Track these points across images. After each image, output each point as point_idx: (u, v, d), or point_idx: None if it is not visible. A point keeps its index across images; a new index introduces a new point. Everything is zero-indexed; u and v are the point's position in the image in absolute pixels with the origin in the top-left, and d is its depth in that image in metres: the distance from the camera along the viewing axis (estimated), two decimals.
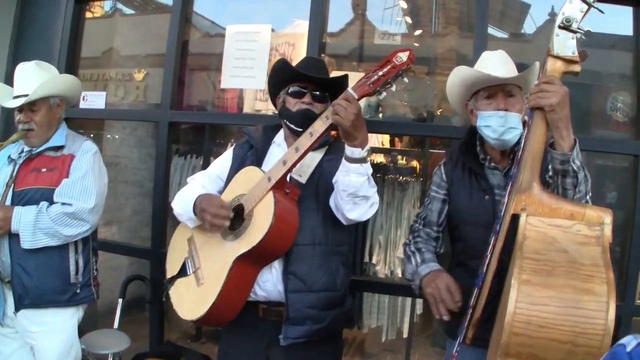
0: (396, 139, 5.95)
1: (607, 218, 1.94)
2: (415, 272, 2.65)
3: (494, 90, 2.55)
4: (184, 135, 6.23)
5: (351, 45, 5.37)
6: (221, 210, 2.58)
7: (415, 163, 5.63)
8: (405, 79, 2.46)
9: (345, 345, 5.61)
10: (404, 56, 2.40)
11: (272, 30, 4.47)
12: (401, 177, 5.07)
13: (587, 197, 2.27)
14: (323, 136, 2.53)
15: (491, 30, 4.95)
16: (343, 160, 2.50)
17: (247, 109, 4.80)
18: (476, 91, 2.64)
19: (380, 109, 4.55)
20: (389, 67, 2.41)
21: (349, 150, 2.46)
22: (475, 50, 3.50)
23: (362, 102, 3.77)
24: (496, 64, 2.63)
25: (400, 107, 4.89)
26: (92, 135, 5.88)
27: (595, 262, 1.85)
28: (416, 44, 5.53)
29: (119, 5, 5.90)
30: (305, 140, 2.55)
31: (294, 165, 2.61)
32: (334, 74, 3.69)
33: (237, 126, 5.00)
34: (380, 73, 2.42)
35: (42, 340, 3.24)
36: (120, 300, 4.24)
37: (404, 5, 5.25)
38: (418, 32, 5.55)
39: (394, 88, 2.47)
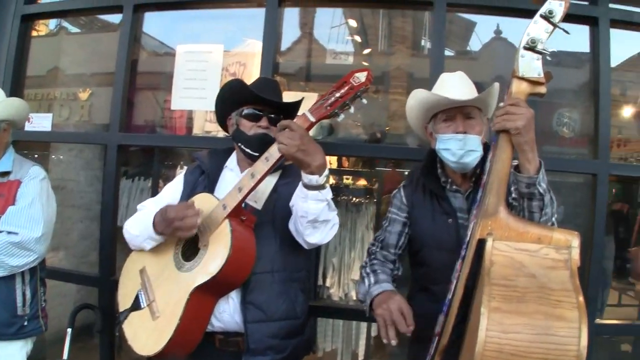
0: (344, 159, 5.91)
1: (575, 241, 1.93)
2: (367, 292, 2.59)
3: (453, 113, 2.52)
4: (132, 157, 6.09)
5: (301, 64, 5.32)
6: (188, 210, 2.47)
7: (368, 183, 5.60)
8: (364, 100, 2.40)
9: None
10: (361, 77, 2.35)
11: (226, 50, 4.41)
12: (354, 198, 5.03)
13: (554, 219, 2.25)
14: (279, 161, 2.44)
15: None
16: (300, 186, 2.43)
17: (196, 130, 4.70)
18: (435, 114, 2.61)
19: (332, 131, 4.50)
20: (346, 88, 2.35)
21: (306, 178, 2.38)
22: (431, 69, 3.52)
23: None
24: (455, 85, 2.60)
25: (353, 128, 4.85)
26: (37, 156, 5.79)
27: (565, 287, 1.82)
28: (365, 63, 5.51)
29: (65, 24, 5.74)
30: (262, 165, 2.46)
31: (250, 191, 2.52)
32: (285, 94, 3.64)
33: (187, 148, 4.89)
34: (338, 94, 2.36)
35: None
36: (69, 330, 4.01)
37: (353, 24, 5.23)
38: (367, 50, 5.53)
39: (352, 110, 2.40)
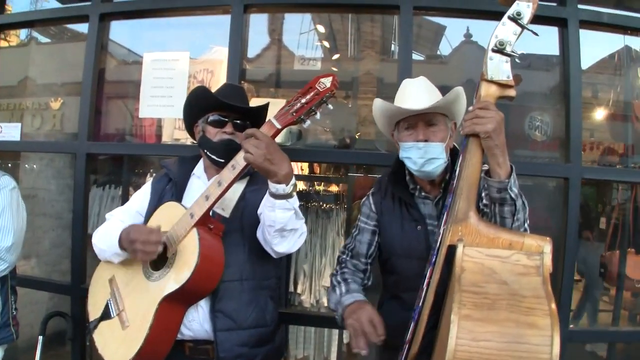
0: (315, 165, 5.83)
1: (547, 247, 1.87)
2: (339, 301, 2.52)
3: (414, 121, 2.44)
4: (102, 165, 6.02)
5: (269, 71, 5.25)
6: (151, 236, 2.39)
7: (338, 189, 5.52)
8: (330, 106, 2.33)
9: None
10: (327, 82, 2.28)
11: (192, 57, 4.33)
12: (324, 205, 4.96)
13: (526, 224, 2.18)
14: (246, 169, 2.36)
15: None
16: (267, 195, 2.36)
17: (165, 138, 4.61)
18: (398, 121, 2.54)
19: (301, 136, 4.43)
20: (312, 94, 2.28)
21: (273, 187, 2.31)
22: (399, 74, 3.45)
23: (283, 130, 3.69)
24: (415, 92, 2.52)
25: (322, 133, 4.79)
26: (10, 165, 5.68)
27: (537, 294, 1.76)
28: (334, 69, 5.45)
29: (35, 34, 5.69)
30: (228, 173, 2.38)
31: (218, 199, 2.45)
32: (253, 100, 3.55)
33: (157, 156, 4.80)
34: (303, 100, 2.29)
35: None
36: (40, 337, 3.97)
37: (322, 29, 5.17)
38: (336, 56, 5.49)
39: (318, 115, 2.33)
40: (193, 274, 2.34)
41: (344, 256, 2.78)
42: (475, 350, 1.67)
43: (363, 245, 2.71)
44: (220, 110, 2.70)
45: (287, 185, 2.29)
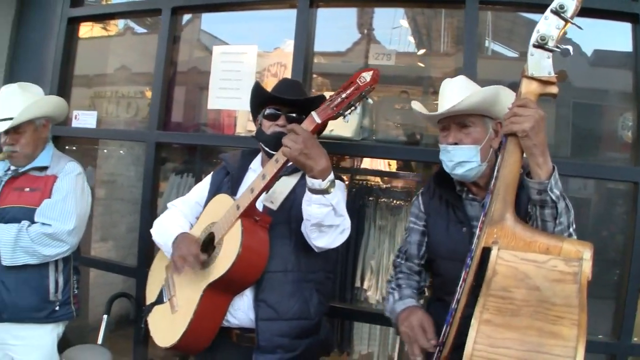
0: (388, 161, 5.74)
1: (587, 253, 1.75)
2: (392, 309, 2.51)
3: (447, 123, 2.40)
4: (181, 154, 6.13)
5: (343, 65, 5.26)
6: (191, 248, 2.52)
7: (408, 185, 5.43)
8: (370, 100, 2.30)
9: None
10: (367, 76, 2.25)
11: (266, 51, 4.36)
12: (394, 201, 4.87)
13: (571, 229, 2.09)
14: (287, 162, 2.38)
15: (500, 49, 4.82)
16: (306, 189, 2.35)
17: (240, 129, 4.65)
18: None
19: (372, 132, 4.37)
20: (352, 88, 2.27)
21: (309, 182, 2.31)
22: (465, 69, 3.36)
23: (354, 125, 3.64)
24: (449, 93, 2.45)
25: (393, 129, 4.71)
26: (97, 151, 5.88)
27: (569, 302, 1.66)
28: (421, 64, 5.40)
29: (131, 24, 5.87)
30: (271, 167, 2.41)
31: (262, 192, 2.48)
32: (326, 95, 3.54)
33: (229, 147, 4.86)
34: (344, 95, 2.27)
35: (20, 353, 3.24)
36: (105, 316, 4.13)
37: (405, 24, 5.11)
38: (421, 51, 5.41)
39: (358, 110, 2.30)
40: (234, 263, 2.39)
41: (399, 259, 2.75)
42: (492, 357, 1.61)
43: (413, 246, 2.67)
44: (274, 103, 2.73)
45: (323, 180, 2.27)
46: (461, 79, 2.53)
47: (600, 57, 4.11)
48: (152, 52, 4.47)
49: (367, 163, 5.54)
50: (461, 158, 2.32)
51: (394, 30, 5.03)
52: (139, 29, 5.95)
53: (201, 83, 5.06)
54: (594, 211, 4.64)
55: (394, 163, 5.61)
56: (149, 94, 5.50)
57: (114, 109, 5.83)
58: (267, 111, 2.74)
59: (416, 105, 2.52)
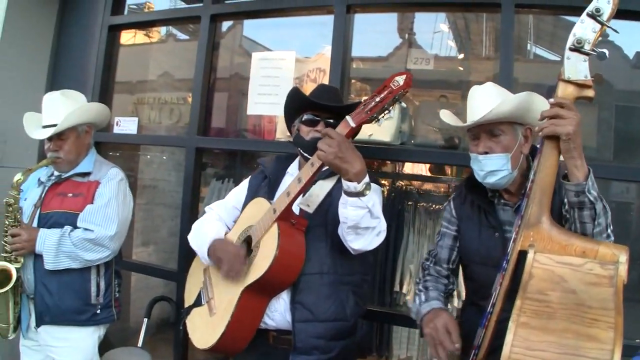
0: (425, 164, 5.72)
1: (623, 256, 1.76)
2: (418, 311, 2.51)
3: (477, 131, 2.38)
4: (222, 159, 6.20)
5: (382, 69, 5.23)
6: (236, 264, 2.57)
7: (447, 190, 5.41)
8: (403, 104, 2.31)
9: None
10: (400, 80, 2.27)
11: (304, 56, 4.39)
12: (434, 205, 4.87)
13: (609, 230, 2.06)
14: (323, 166, 2.41)
15: (543, 52, 4.77)
16: (342, 192, 2.38)
17: (279, 134, 4.71)
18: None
19: (410, 136, 4.37)
20: (385, 92, 2.29)
21: (345, 184, 2.34)
22: (500, 74, 3.35)
23: (392, 129, 3.65)
24: (477, 102, 2.44)
25: (431, 133, 4.70)
26: (138, 156, 5.97)
27: (605, 305, 1.66)
28: (461, 68, 5.37)
29: (174, 31, 5.98)
30: (307, 171, 2.45)
31: (298, 195, 2.53)
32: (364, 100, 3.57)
33: (268, 152, 4.92)
34: (378, 99, 2.29)
35: (62, 355, 3.29)
36: (145, 319, 4.20)
37: (446, 29, 5.08)
38: (460, 55, 5.40)
39: (392, 114, 2.33)
40: (271, 266, 2.43)
41: (428, 262, 2.75)
42: None
43: (444, 250, 2.68)
44: (312, 110, 2.76)
45: (358, 183, 2.29)
46: (489, 86, 2.50)
47: None
48: (194, 59, 4.54)
49: (408, 168, 5.53)
50: (492, 167, 2.31)
51: (435, 34, 5.00)
52: (181, 36, 6.04)
53: (241, 88, 5.14)
54: (637, 215, 4.58)
55: (435, 167, 5.60)
56: (191, 99, 5.62)
57: (156, 115, 5.90)
58: (306, 117, 2.78)
59: (445, 115, 2.52)
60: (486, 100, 2.39)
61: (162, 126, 5.85)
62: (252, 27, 5.15)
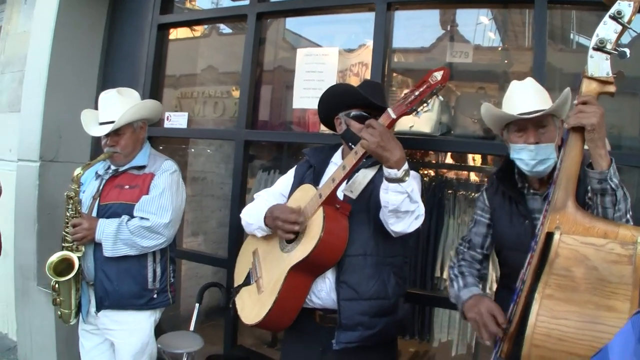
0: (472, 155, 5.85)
1: None
2: (457, 296, 2.67)
3: (524, 124, 2.52)
4: (268, 151, 6.35)
5: (423, 63, 5.37)
6: (291, 216, 2.72)
7: (485, 179, 5.53)
8: (440, 97, 2.49)
9: (415, 359, 5.58)
10: (438, 75, 2.43)
11: (347, 50, 4.55)
12: (472, 194, 5.01)
13: (628, 215, 2.21)
14: (366, 154, 2.57)
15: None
16: (383, 178, 2.54)
17: (323, 127, 4.83)
18: (508, 123, 2.62)
19: (450, 129, 4.51)
20: (424, 87, 2.45)
21: (386, 171, 2.50)
22: (534, 63, 3.46)
23: (432, 121, 3.82)
24: (523, 96, 2.59)
25: (470, 125, 4.83)
26: (187, 149, 6.17)
27: (624, 281, 1.82)
28: (501, 60, 5.48)
29: (217, 25, 6.07)
30: (351, 159, 2.62)
31: (342, 182, 2.69)
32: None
33: (312, 144, 5.09)
34: (417, 93, 2.45)
35: (121, 337, 3.52)
36: (197, 305, 4.38)
37: (486, 21, 5.15)
38: (501, 47, 5.45)
39: (430, 106, 2.50)
40: (317, 246, 2.60)
41: (462, 247, 2.92)
42: (554, 327, 1.79)
43: (478, 237, 2.85)
44: (363, 107, 2.92)
45: (398, 170, 2.46)
46: (530, 82, 2.66)
47: None
48: (237, 52, 4.66)
49: (450, 157, 5.67)
50: (543, 156, 2.46)
51: (477, 26, 5.08)
52: (225, 29, 6.16)
53: (286, 82, 5.30)
54: None
55: (478, 158, 5.72)
56: (235, 93, 5.74)
57: (200, 108, 6.07)
58: (356, 113, 2.93)
59: (490, 109, 2.63)
60: (533, 94, 2.58)
61: (206, 119, 6.02)
62: (295, 22, 5.28)
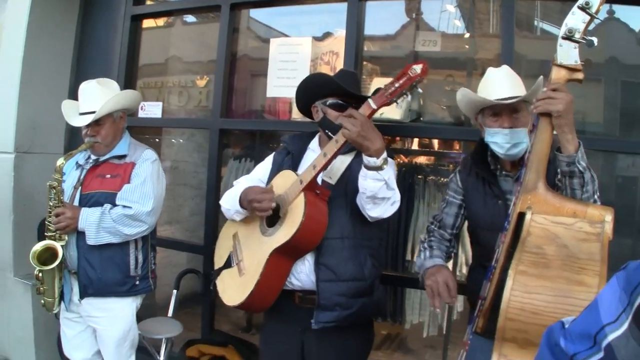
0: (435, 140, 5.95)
1: (608, 216, 2.01)
2: (422, 264, 2.79)
3: (499, 109, 2.62)
4: (240, 139, 6.37)
5: (392, 51, 5.42)
6: (264, 195, 2.81)
7: (454, 164, 5.61)
8: (420, 90, 2.58)
9: (387, 340, 5.70)
10: (417, 68, 2.53)
11: (317, 39, 4.61)
12: (442, 179, 5.11)
13: (595, 196, 2.32)
14: (346, 143, 2.64)
15: (551, 28, 4.82)
16: (362, 166, 2.63)
17: (295, 115, 4.85)
18: (483, 108, 2.71)
19: (419, 115, 4.59)
20: (404, 79, 2.55)
21: (366, 159, 2.59)
22: (502, 50, 3.55)
23: (402, 108, 3.89)
24: (499, 83, 2.69)
25: (439, 111, 4.91)
26: (157, 140, 6.17)
27: (592, 257, 1.91)
28: (467, 47, 5.54)
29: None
30: (332, 146, 2.70)
31: (323, 168, 2.77)
32: (375, 80, 3.78)
33: (286, 132, 5.12)
34: (397, 85, 2.55)
35: (103, 324, 3.56)
36: (174, 291, 4.44)
37: (452, 9, 5.23)
38: (467, 35, 5.50)
39: (409, 98, 2.60)
40: (298, 230, 2.69)
41: (432, 226, 3.02)
42: (527, 302, 1.87)
43: (450, 217, 2.96)
44: (339, 95, 2.98)
45: (378, 158, 2.55)
46: (506, 69, 2.77)
47: None
48: (203, 42, 4.72)
49: (417, 144, 5.76)
50: (517, 140, 2.57)
51: (442, 14, 5.16)
52: (191, 19, 6.14)
53: (257, 71, 5.30)
54: None
55: (447, 143, 5.80)
56: (200, 82, 5.81)
57: (165, 98, 6.02)
58: (332, 101, 2.98)
59: (468, 94, 2.74)
60: (508, 79, 2.70)
61: (175, 108, 6.00)
62: (265, 11, 5.27)
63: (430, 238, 2.96)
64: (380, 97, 2.60)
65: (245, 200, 2.91)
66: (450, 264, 3.19)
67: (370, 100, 2.62)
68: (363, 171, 2.63)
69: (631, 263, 1.05)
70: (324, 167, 2.79)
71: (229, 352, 4.22)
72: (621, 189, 4.74)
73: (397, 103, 2.63)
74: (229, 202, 3.10)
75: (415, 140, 5.68)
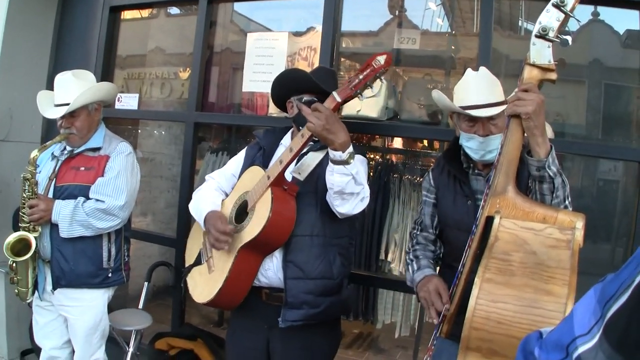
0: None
1: (579, 222, 1.91)
2: (412, 279, 2.70)
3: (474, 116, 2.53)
4: (216, 133, 6.33)
5: (371, 48, 5.36)
6: (222, 236, 2.70)
7: (430, 163, 5.55)
8: (384, 81, 2.49)
9: (359, 340, 5.64)
10: (381, 60, 2.44)
11: (296, 34, 4.53)
12: (417, 178, 5.02)
13: (566, 202, 2.24)
14: (312, 137, 2.58)
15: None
16: (329, 161, 2.56)
17: (272, 110, 4.78)
18: None
19: (397, 113, 4.50)
20: (368, 70, 2.46)
21: (331, 154, 2.52)
22: (480, 50, 3.48)
23: (379, 105, 3.80)
24: (476, 87, 2.58)
25: (416, 110, 4.83)
26: (134, 131, 6.07)
27: (562, 265, 1.82)
28: (448, 45, 5.46)
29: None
30: (298, 141, 2.63)
31: (289, 163, 2.69)
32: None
33: (261, 126, 5.04)
34: (361, 77, 2.46)
35: (75, 314, 3.53)
36: (145, 283, 4.41)
37: (434, 7, 5.19)
38: (449, 33, 5.47)
39: (373, 90, 2.50)
40: (265, 227, 2.60)
41: (415, 231, 2.93)
42: (492, 311, 1.77)
43: (427, 217, 2.86)
44: (314, 92, 2.91)
45: (343, 152, 2.48)
46: (484, 73, 2.64)
47: (633, 38, 4.10)
48: (185, 34, 4.63)
49: (396, 142, 5.68)
50: (492, 147, 2.47)
51: (426, 11, 5.13)
52: (174, 10, 6.04)
53: (235, 65, 5.25)
54: (623, 193, 4.69)
55: (423, 142, 5.75)
56: (182, 75, 5.70)
57: (147, 89, 5.96)
58: (309, 98, 2.90)
59: (441, 98, 2.64)
60: (486, 85, 2.58)
61: (153, 100, 5.92)
62: (244, 5, 5.22)
63: (414, 247, 2.87)
64: (344, 90, 2.52)
65: (208, 223, 2.83)
66: None
67: (334, 94, 2.54)
68: (330, 166, 2.56)
69: (609, 275, 1.00)
70: (291, 162, 2.71)
71: (197, 346, 4.18)
72: (602, 192, 4.72)
73: (361, 95, 2.52)
74: (196, 212, 3.03)
75: (392, 138, 5.57)
